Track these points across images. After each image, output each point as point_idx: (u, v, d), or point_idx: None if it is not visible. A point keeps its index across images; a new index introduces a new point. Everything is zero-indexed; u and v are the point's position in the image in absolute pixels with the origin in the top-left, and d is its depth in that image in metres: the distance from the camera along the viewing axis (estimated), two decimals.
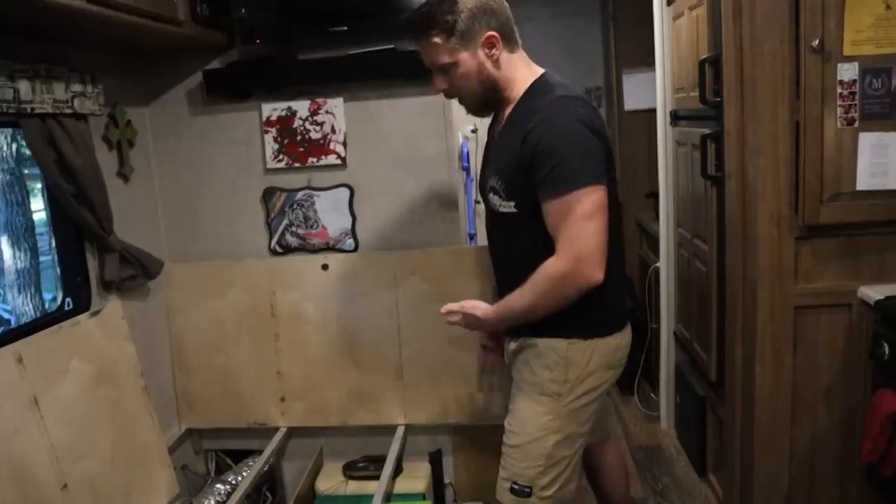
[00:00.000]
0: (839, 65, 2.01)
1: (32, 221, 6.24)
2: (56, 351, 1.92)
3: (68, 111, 1.97)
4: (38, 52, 1.90)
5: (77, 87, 2.00)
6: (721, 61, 2.31)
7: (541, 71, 1.77)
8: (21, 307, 6.33)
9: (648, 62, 3.29)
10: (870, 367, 2.03)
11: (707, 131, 2.47)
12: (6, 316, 6.86)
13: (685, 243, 2.99)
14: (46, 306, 6.16)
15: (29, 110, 1.83)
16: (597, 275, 1.59)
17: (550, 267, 1.62)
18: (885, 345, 1.90)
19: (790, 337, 2.17)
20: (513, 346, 1.88)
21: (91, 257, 2.21)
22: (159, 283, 2.53)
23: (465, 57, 1.68)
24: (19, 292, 6.51)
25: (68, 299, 2.16)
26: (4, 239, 6.27)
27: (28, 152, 5.84)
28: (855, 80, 2.01)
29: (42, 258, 6.17)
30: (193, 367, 2.63)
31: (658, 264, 3.32)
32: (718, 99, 2.36)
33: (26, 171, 6.28)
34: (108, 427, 2.04)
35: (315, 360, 2.58)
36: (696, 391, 2.86)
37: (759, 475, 2.28)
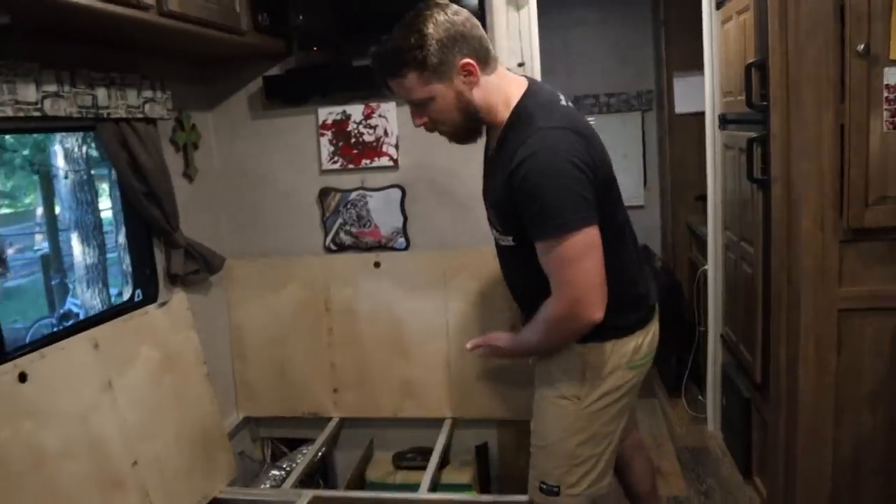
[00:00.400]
0: (886, 69, 2.01)
1: (101, 219, 6.53)
2: (127, 338, 2.07)
3: (140, 116, 2.12)
4: (112, 61, 2.05)
5: (148, 94, 2.15)
6: (767, 65, 2.34)
7: (523, 89, 1.68)
8: (89, 301, 6.61)
9: (699, 66, 3.30)
10: None
11: (753, 135, 2.48)
12: (75, 309, 7.16)
13: (732, 246, 3.00)
14: (112, 300, 6.42)
15: (105, 115, 1.98)
16: (596, 314, 1.56)
17: (549, 310, 1.62)
18: None
19: (834, 339, 2.18)
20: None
21: (158, 252, 2.36)
22: (220, 277, 2.67)
23: (440, 89, 1.59)
24: (88, 286, 6.81)
25: (138, 291, 2.30)
26: (75, 236, 6.56)
27: (96, 154, 6.10)
28: None
29: (108, 255, 6.43)
30: (251, 357, 2.77)
31: (706, 267, 3.33)
32: (765, 103, 2.38)
33: (94, 173, 6.56)
34: (173, 410, 2.17)
35: (367, 354, 2.69)
36: (741, 393, 2.87)
37: (801, 477, 2.29)
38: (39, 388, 1.75)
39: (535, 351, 1.81)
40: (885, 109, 2.03)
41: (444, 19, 1.57)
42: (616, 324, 1.69)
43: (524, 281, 1.79)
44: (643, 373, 1.84)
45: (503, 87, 1.66)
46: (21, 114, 1.69)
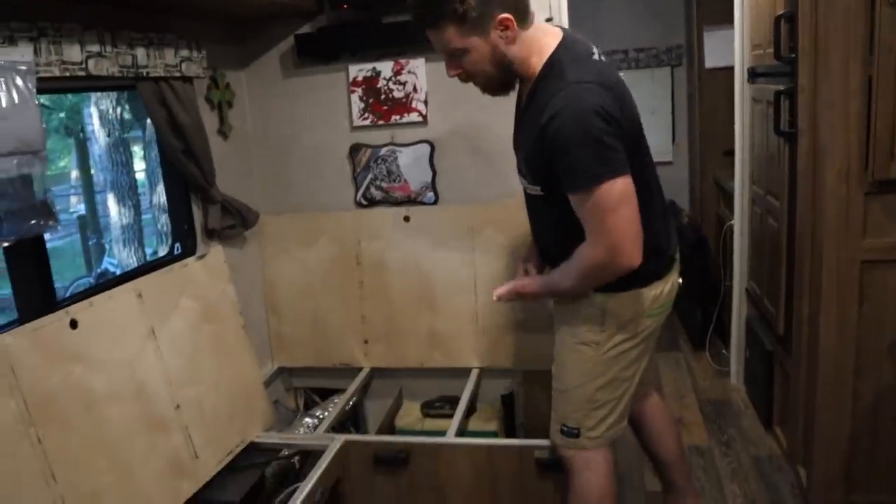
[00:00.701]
0: None
1: (136, 181, 6.67)
2: (169, 289, 2.16)
3: (177, 75, 2.18)
4: (148, 23, 2.10)
5: (184, 53, 2.21)
6: (796, 17, 2.33)
7: (557, 40, 1.69)
8: (126, 259, 6.78)
9: (729, 19, 3.28)
10: None
11: (781, 88, 2.49)
12: (112, 269, 7.36)
13: (758, 200, 3.01)
14: (147, 259, 6.59)
15: (145, 74, 2.04)
16: (634, 260, 1.61)
17: (587, 256, 1.66)
18: None
19: (856, 291, 2.20)
20: (555, 300, 1.96)
21: (196, 208, 2.44)
22: (254, 232, 2.76)
23: (477, 42, 1.62)
24: (124, 246, 6.98)
25: (177, 245, 2.39)
26: (111, 197, 6.71)
27: (130, 117, 6.22)
28: None
29: (143, 216, 6.57)
30: (285, 310, 2.87)
31: (732, 221, 3.35)
32: (793, 55, 2.38)
33: (129, 135, 6.68)
34: (213, 359, 2.27)
35: (396, 306, 2.77)
36: (764, 346, 2.91)
37: (820, 427, 2.34)
38: (88, 335, 1.85)
39: (566, 294, 1.83)
40: None
41: None
42: (637, 272, 1.71)
43: (550, 229, 1.85)
44: (661, 321, 1.90)
45: (538, 39, 1.68)
46: (67, 73, 1.76)
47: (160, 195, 6.16)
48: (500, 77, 1.71)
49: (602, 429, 1.88)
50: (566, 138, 1.55)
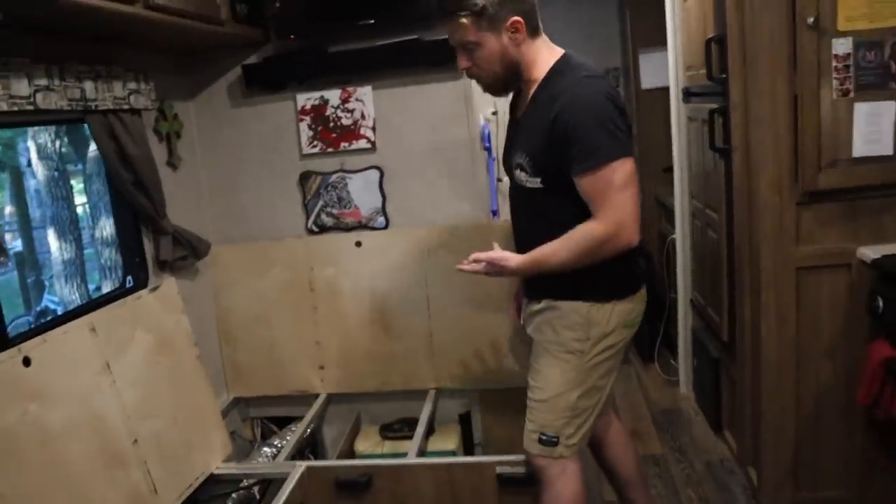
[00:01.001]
0: (834, 40, 2.14)
1: (77, 215, 6.51)
2: (123, 322, 2.14)
3: (126, 107, 2.18)
4: (95, 55, 2.10)
5: (132, 85, 2.21)
6: (725, 40, 2.46)
7: (561, 52, 1.85)
8: (68, 296, 6.60)
9: (663, 42, 3.42)
10: (867, 320, 2.17)
11: (714, 106, 2.61)
12: (52, 306, 7.13)
13: (698, 214, 3.14)
14: (91, 295, 6.39)
15: (94, 107, 2.04)
16: (634, 240, 1.73)
17: (592, 229, 1.73)
18: (880, 299, 2.05)
19: (794, 296, 2.32)
20: (534, 307, 2.00)
21: (147, 240, 2.42)
22: (206, 263, 2.75)
23: (489, 39, 1.76)
24: (66, 282, 6.79)
25: (129, 277, 2.37)
26: (51, 232, 6.52)
27: (69, 150, 6.05)
28: (849, 54, 2.14)
29: (85, 250, 6.38)
30: (239, 339, 2.85)
31: (674, 236, 3.47)
32: (724, 75, 2.51)
33: (70, 168, 6.52)
34: (169, 391, 2.25)
35: (351, 331, 2.78)
36: (710, 353, 3.02)
37: (767, 428, 2.44)
38: (43, 372, 1.82)
39: (555, 268, 1.80)
40: (835, 78, 2.16)
41: None
42: (620, 285, 1.86)
43: (543, 223, 1.87)
44: (633, 332, 1.98)
45: (544, 50, 1.83)
46: (15, 108, 1.75)
47: (103, 229, 6.02)
48: (504, 76, 1.83)
49: (578, 437, 1.93)
50: (581, 120, 1.69)
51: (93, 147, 6.02)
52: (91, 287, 6.38)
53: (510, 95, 2.01)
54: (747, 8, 2.29)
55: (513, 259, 1.87)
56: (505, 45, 1.77)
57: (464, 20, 1.74)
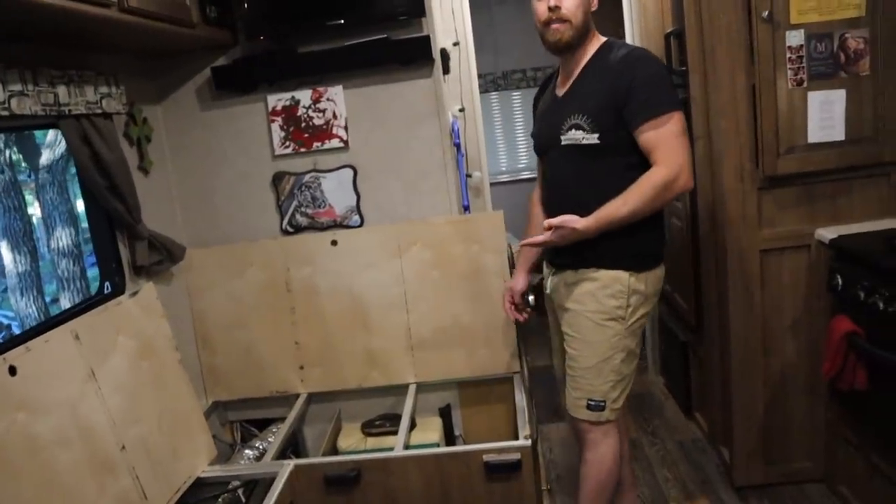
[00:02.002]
0: (787, 32, 2.25)
1: (31, 225, 6.35)
2: (105, 328, 2.12)
3: (98, 111, 2.17)
4: (66, 59, 2.09)
5: (104, 89, 2.20)
6: (684, 34, 2.55)
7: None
8: (24, 310, 6.43)
9: (621, 36, 3.51)
10: (828, 298, 2.29)
11: None
12: (5, 321, 6.93)
13: None
14: (48, 308, 6.23)
15: (67, 112, 2.02)
16: (690, 183, 1.92)
17: (656, 175, 1.89)
18: (839, 277, 2.17)
19: (758, 277, 2.43)
20: (569, 279, 2.10)
21: (122, 246, 2.40)
22: (181, 267, 2.73)
23: None
24: (21, 295, 6.61)
25: (107, 283, 2.35)
26: (3, 244, 6.35)
27: (18, 157, 5.90)
28: (802, 45, 2.25)
29: (41, 261, 6.23)
30: (216, 343, 2.85)
31: None
32: (684, 68, 2.61)
33: (21, 178, 6.37)
34: (153, 396, 2.25)
35: (330, 329, 2.80)
36: (678, 337, 3.13)
37: (736, 405, 2.55)
38: (29, 381, 1.80)
39: (620, 223, 1.93)
40: (789, 69, 2.27)
41: None
42: (654, 251, 2.07)
43: (589, 182, 2.03)
44: (657, 299, 2.15)
45: (595, 31, 2.08)
46: None
47: (59, 239, 5.89)
48: (580, 28, 2.00)
49: (622, 401, 2.09)
50: (642, 76, 1.91)
51: (45, 156, 5.89)
52: (48, 300, 6.23)
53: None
54: (704, 3, 2.39)
55: (580, 220, 1.94)
56: (590, 1, 2.01)
57: None
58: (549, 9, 1.97)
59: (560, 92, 2.12)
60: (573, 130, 2.01)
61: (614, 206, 1.92)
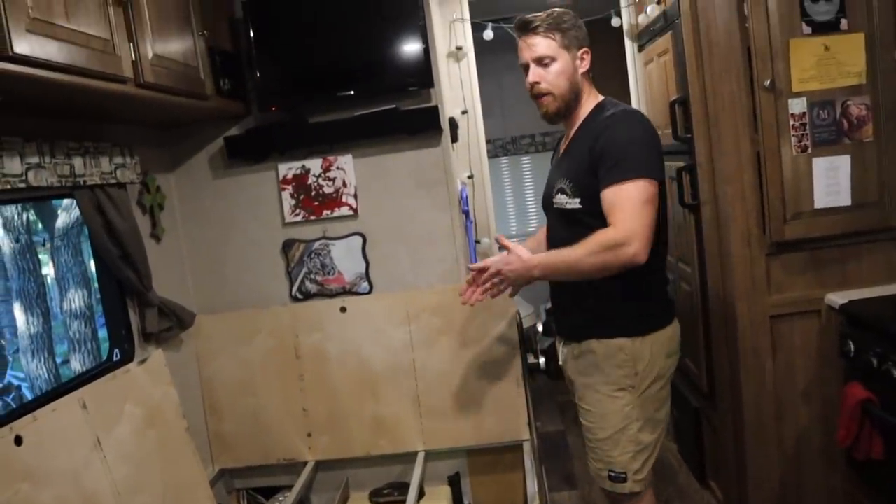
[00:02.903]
0: (790, 100, 2.29)
1: (45, 287, 6.42)
2: (112, 396, 2.13)
3: (112, 181, 2.21)
4: (85, 130, 2.15)
5: (118, 160, 2.25)
6: (688, 101, 2.60)
7: (603, 97, 2.08)
8: (34, 371, 6.46)
9: (627, 103, 3.57)
10: (840, 364, 2.26)
11: (682, 164, 2.74)
12: (16, 382, 6.96)
13: (671, 267, 3.23)
14: (59, 370, 6.25)
15: (82, 182, 2.07)
16: (642, 255, 1.79)
17: (605, 234, 1.81)
18: (851, 343, 2.15)
19: (769, 343, 2.41)
20: (574, 351, 2.08)
21: (132, 312, 2.42)
22: (190, 333, 2.75)
23: (565, 56, 1.98)
24: (32, 357, 6.65)
25: (116, 350, 2.36)
26: (17, 306, 6.42)
27: (35, 219, 5.98)
28: (804, 113, 2.28)
29: (53, 322, 6.28)
30: (224, 409, 2.83)
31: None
32: (689, 135, 2.64)
33: (36, 239, 6.48)
34: (159, 464, 2.23)
35: (338, 396, 2.79)
36: (691, 404, 3.08)
37: (751, 474, 2.49)
38: (34, 450, 1.80)
39: (562, 269, 1.89)
40: (793, 135, 2.30)
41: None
42: (656, 314, 2.01)
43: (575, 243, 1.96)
44: (676, 361, 2.09)
45: (592, 91, 2.08)
46: (8, 186, 1.78)
47: (72, 301, 5.92)
48: (566, 97, 2.01)
49: (646, 471, 2.02)
50: (617, 138, 1.88)
51: (61, 218, 5.98)
52: (58, 361, 6.23)
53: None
54: (707, 72, 2.44)
55: (516, 261, 1.91)
56: (575, 67, 2.00)
57: (551, 37, 1.97)
58: (531, 84, 2.02)
59: (560, 152, 2.16)
60: (559, 195, 2.02)
61: (563, 252, 1.88)
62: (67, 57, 1.57)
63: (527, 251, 1.94)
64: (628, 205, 1.81)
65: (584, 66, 2.02)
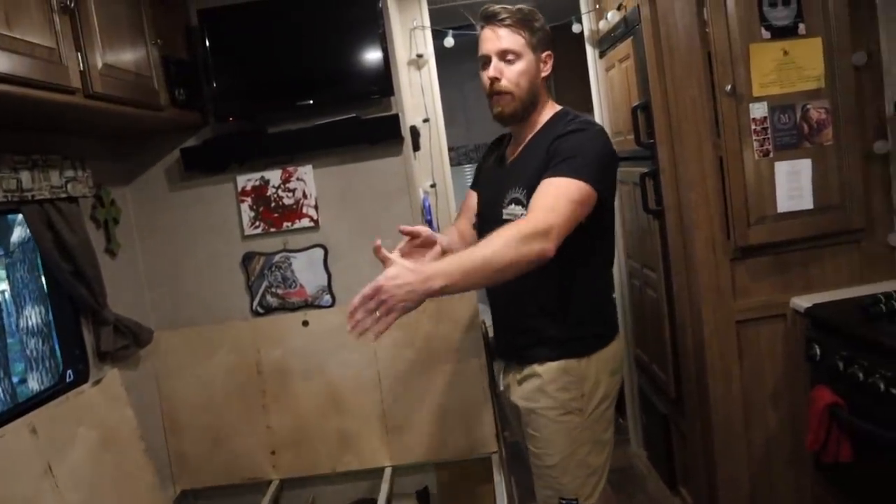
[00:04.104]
0: (751, 104, 2.29)
1: (1, 304, 6.21)
2: (65, 420, 2.04)
3: (63, 195, 2.13)
4: (32, 143, 2.07)
5: (69, 173, 2.17)
6: (650, 107, 2.59)
7: (560, 106, 2.00)
8: None
9: (589, 110, 3.57)
10: (807, 368, 2.26)
11: (645, 170, 2.73)
12: None
13: (636, 273, 3.23)
14: (15, 388, 6.08)
15: (30, 197, 1.99)
16: (549, 252, 1.59)
17: (522, 224, 1.61)
18: (817, 346, 2.15)
19: (735, 348, 2.41)
20: (517, 375, 1.99)
21: (86, 331, 2.33)
22: (148, 350, 2.66)
23: (530, 55, 1.89)
24: None
25: (69, 371, 2.27)
26: None
27: None
28: (766, 117, 2.29)
29: (9, 339, 6.11)
30: (185, 429, 2.74)
31: (614, 296, 3.55)
32: (651, 140, 2.64)
33: None
34: (115, 489, 2.14)
35: (302, 412, 2.72)
36: (659, 410, 3.07)
37: (721, 479, 2.48)
38: None
39: (484, 264, 1.52)
40: (755, 140, 2.30)
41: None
42: (600, 332, 1.93)
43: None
44: (620, 379, 2.03)
45: (549, 99, 2.00)
46: None
47: (27, 318, 5.75)
48: (524, 97, 1.91)
49: (597, 495, 1.95)
50: (581, 141, 1.79)
51: (17, 233, 5.82)
52: (15, 380, 6.04)
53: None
54: (669, 77, 2.44)
55: (407, 272, 1.45)
56: (538, 69, 1.92)
57: (520, 33, 1.88)
58: (490, 79, 1.90)
59: (509, 159, 2.02)
60: (513, 205, 1.89)
61: (466, 253, 1.55)
62: (8, 66, 1.50)
63: (423, 267, 1.48)
64: (556, 199, 1.67)
65: (546, 69, 1.94)
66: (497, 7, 1.91)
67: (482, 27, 1.93)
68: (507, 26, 1.88)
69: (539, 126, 1.94)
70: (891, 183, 2.37)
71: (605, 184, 1.80)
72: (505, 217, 1.89)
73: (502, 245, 1.54)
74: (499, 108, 1.92)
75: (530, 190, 1.79)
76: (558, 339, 1.89)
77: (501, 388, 2.12)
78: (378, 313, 1.43)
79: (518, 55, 1.88)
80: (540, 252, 1.57)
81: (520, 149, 1.98)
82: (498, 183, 1.99)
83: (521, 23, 1.89)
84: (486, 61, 1.91)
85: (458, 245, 2.02)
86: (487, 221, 1.97)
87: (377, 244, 1.56)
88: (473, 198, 2.18)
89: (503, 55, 1.89)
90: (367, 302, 1.42)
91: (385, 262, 1.52)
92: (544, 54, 1.93)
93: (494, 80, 1.89)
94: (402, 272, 1.45)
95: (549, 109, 1.97)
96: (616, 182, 1.91)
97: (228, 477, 2.76)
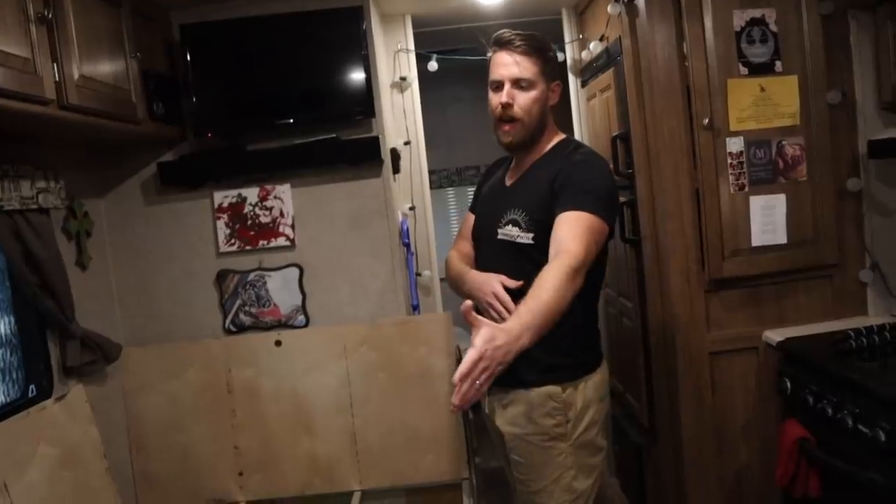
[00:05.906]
0: (728, 139, 2.32)
1: None
2: (24, 436, 1.99)
3: (33, 206, 2.10)
4: (4, 152, 2.03)
5: (41, 184, 2.14)
6: (630, 137, 2.61)
7: (564, 135, 2.02)
8: None
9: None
10: (778, 401, 2.27)
11: (623, 199, 2.74)
12: None
13: (612, 302, 3.24)
14: None
15: None
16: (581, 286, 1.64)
17: (564, 263, 1.61)
18: (787, 381, 2.16)
19: (708, 379, 2.41)
20: (503, 401, 1.95)
21: (52, 345, 2.29)
22: (116, 366, 2.61)
23: (541, 84, 1.89)
24: None
25: (32, 386, 2.22)
26: None
27: None
28: (742, 152, 2.31)
29: None
30: (152, 447, 2.69)
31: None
32: (630, 170, 2.66)
33: None
34: None
35: (272, 433, 2.68)
36: (632, 439, 3.06)
37: None
38: None
39: (552, 315, 1.54)
40: (731, 174, 2.32)
41: None
42: (587, 359, 1.91)
43: (521, 279, 1.82)
44: (608, 404, 2.01)
45: (554, 127, 2.01)
46: None
47: None
48: (532, 124, 1.91)
49: None
50: (582, 175, 1.81)
51: None
52: None
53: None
54: (648, 109, 2.46)
55: (504, 334, 1.41)
56: (547, 97, 1.92)
57: (534, 60, 1.88)
58: (502, 105, 1.89)
59: (509, 181, 2.02)
60: (510, 226, 1.89)
61: (532, 305, 1.52)
62: None
63: (501, 330, 1.42)
64: (586, 234, 1.69)
65: (554, 98, 1.95)
66: (511, 33, 1.91)
67: (495, 51, 1.92)
68: (522, 53, 1.88)
69: (542, 153, 1.96)
70: (863, 220, 2.40)
71: (613, 219, 1.86)
72: (500, 237, 1.91)
73: (558, 287, 1.56)
74: (509, 139, 1.93)
75: (530, 213, 1.85)
76: (545, 365, 1.85)
77: (486, 410, 2.07)
78: (479, 381, 1.37)
79: (532, 83, 1.88)
80: (580, 285, 1.63)
81: (521, 173, 1.99)
82: (496, 203, 2.00)
83: (536, 51, 1.88)
84: (499, 85, 1.90)
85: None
86: (481, 240, 2.02)
87: (468, 306, 1.40)
88: (472, 220, 2.18)
89: (517, 82, 1.88)
90: (473, 370, 1.35)
91: (474, 324, 1.41)
92: (554, 83, 1.94)
93: (507, 105, 1.88)
94: (498, 334, 1.40)
95: (553, 136, 1.98)
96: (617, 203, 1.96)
97: (194, 498, 2.71)
